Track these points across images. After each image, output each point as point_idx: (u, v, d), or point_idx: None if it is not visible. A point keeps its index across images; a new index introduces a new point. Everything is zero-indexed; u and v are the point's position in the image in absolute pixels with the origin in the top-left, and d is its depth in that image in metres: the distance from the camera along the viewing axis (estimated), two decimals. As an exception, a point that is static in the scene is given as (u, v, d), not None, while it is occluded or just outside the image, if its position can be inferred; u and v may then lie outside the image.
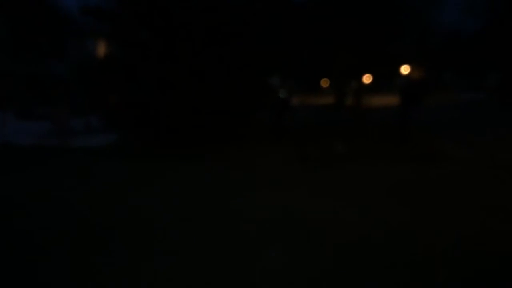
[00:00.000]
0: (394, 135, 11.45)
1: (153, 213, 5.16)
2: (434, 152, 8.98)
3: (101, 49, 14.08)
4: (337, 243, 4.03)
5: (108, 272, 3.52)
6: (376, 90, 26.48)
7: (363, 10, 16.74)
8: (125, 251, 3.98)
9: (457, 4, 31.62)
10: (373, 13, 16.83)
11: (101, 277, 3.45)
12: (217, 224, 4.69)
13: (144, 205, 5.55)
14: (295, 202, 5.47)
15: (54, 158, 8.67)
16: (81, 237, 4.37)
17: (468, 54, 30.93)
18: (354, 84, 22.79)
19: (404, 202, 5.39)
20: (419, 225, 4.51)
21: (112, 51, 11.93)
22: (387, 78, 25.02)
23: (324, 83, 31.92)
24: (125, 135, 11.27)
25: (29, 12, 16.68)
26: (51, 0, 18.87)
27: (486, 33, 27.93)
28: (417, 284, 3.25)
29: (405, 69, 23.53)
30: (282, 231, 4.43)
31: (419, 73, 25.52)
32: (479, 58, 30.19)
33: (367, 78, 24.00)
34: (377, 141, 10.77)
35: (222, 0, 11.48)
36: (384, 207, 5.18)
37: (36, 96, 16.13)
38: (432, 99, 23.59)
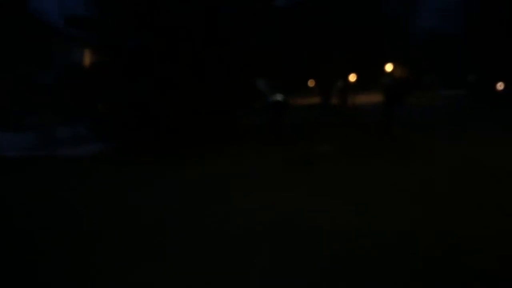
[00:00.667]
0: (380, 132, 12.23)
1: (153, 213, 5.16)
2: (421, 148, 9.31)
3: (88, 55, 13.92)
4: (335, 243, 4.03)
5: (108, 272, 3.52)
6: (361, 89, 27.80)
7: (354, 12, 17.79)
8: (125, 251, 3.98)
9: (436, 9, 34.53)
10: (360, 15, 17.96)
11: (101, 277, 3.45)
12: (217, 223, 4.69)
13: (144, 205, 5.55)
14: (295, 202, 5.47)
15: (49, 167, 8.63)
16: (81, 237, 4.37)
17: (448, 55, 34.67)
18: (341, 84, 23.47)
19: (403, 202, 5.39)
20: (419, 225, 4.51)
21: (108, 54, 11.75)
22: (373, 77, 26.15)
23: (311, 83, 32.22)
24: (121, 138, 11.06)
25: (12, 20, 16.42)
26: (35, 9, 18.70)
27: (463, 36, 31.65)
28: (417, 284, 3.25)
29: (389, 67, 24.61)
30: (281, 230, 4.43)
31: (403, 73, 27.09)
32: (459, 59, 33.90)
33: (352, 77, 24.80)
34: (367, 137, 11.38)
35: (222, 0, 11.47)
36: (382, 206, 5.17)
37: (22, 106, 15.80)
38: (415, 97, 24.95)
